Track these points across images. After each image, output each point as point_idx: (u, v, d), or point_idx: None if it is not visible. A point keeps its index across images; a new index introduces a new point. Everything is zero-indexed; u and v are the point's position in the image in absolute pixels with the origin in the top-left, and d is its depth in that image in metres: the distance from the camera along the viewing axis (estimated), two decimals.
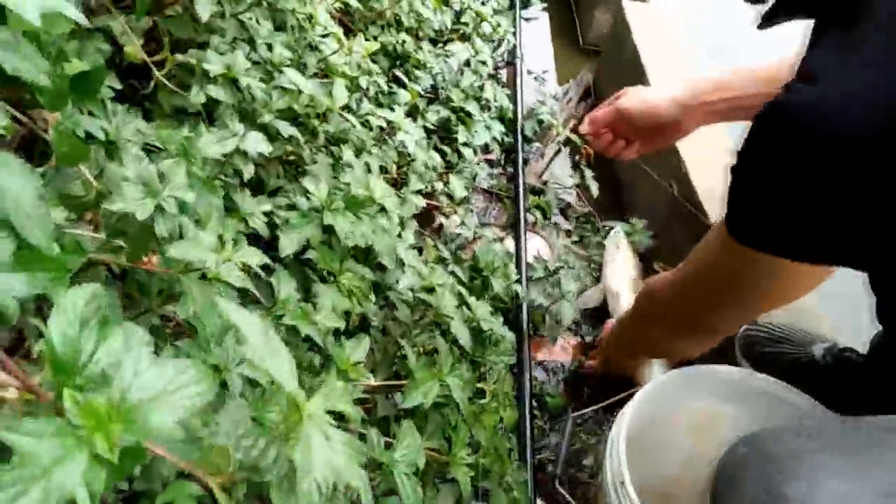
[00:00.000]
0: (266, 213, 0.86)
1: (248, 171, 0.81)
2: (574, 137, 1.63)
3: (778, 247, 0.64)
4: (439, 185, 1.46)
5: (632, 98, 1.06)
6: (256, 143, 0.81)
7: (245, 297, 0.73)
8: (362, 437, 0.76)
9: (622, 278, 1.41)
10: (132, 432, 0.33)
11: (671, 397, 0.95)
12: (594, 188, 1.54)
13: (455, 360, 0.91)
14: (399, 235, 1.09)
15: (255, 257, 0.58)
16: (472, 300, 1.09)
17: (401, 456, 0.77)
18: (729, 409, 0.98)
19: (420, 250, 1.32)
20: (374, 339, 1.00)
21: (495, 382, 0.96)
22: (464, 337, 0.94)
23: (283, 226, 0.82)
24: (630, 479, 0.80)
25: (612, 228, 1.49)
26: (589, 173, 1.57)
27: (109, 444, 0.32)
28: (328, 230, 0.84)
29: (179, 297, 0.63)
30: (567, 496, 0.95)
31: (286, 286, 0.79)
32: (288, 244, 0.79)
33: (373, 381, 0.80)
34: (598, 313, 1.44)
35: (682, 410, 1.00)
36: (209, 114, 0.91)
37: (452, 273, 1.27)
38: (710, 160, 1.38)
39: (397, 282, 1.01)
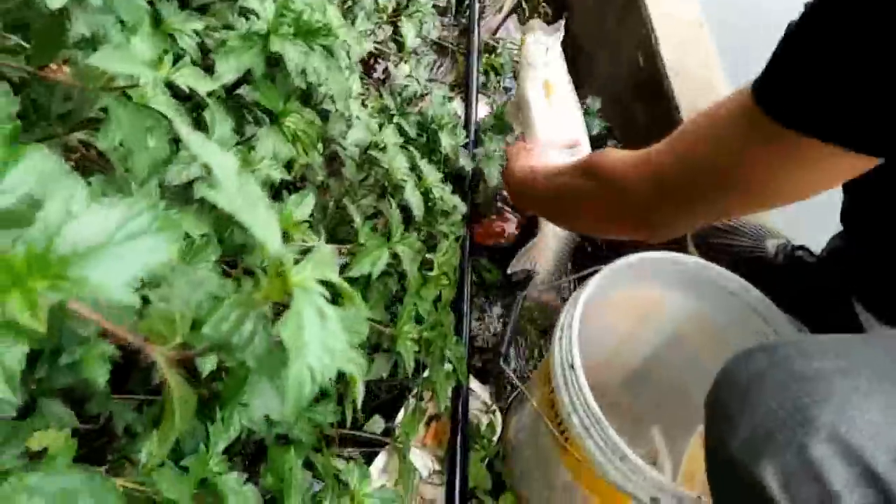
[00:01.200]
0: (196, 33, 0.73)
1: None
2: None
3: (820, 122, 0.55)
4: (387, 30, 1.32)
5: None
6: None
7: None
8: None
9: (537, 87, 1.22)
10: (62, 291, 0.25)
11: (622, 281, 0.94)
12: None
13: (405, 227, 0.85)
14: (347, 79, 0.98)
15: (201, 81, 0.47)
16: (422, 163, 1.01)
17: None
18: (676, 297, 0.98)
19: (363, 102, 1.20)
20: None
21: (444, 254, 0.91)
22: (416, 203, 0.87)
23: (218, 48, 0.69)
24: (580, 364, 0.79)
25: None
26: None
27: (31, 307, 0.24)
28: (273, 60, 0.71)
29: (89, 122, 0.52)
30: (512, 375, 0.94)
31: (222, 124, 0.68)
32: (226, 69, 0.67)
33: (317, 243, 0.72)
34: None
35: (629, 294, 1.00)
36: None
37: (398, 125, 1.17)
38: (681, 34, 1.31)
39: (344, 136, 0.91)
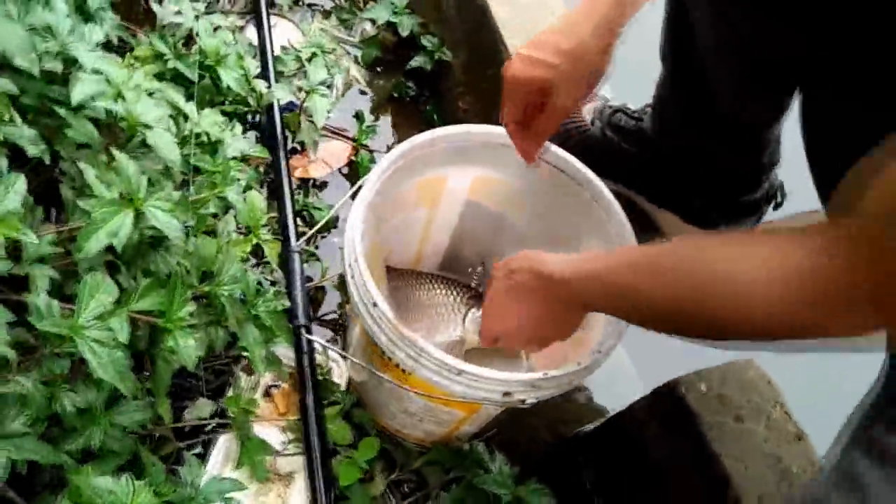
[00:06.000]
0: None
1: None
2: None
3: None
4: None
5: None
6: None
7: None
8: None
9: None
10: None
11: (400, 177, 0.87)
12: None
13: (159, 179, 0.74)
14: (73, 31, 0.84)
15: None
16: (189, 107, 0.89)
17: (88, 321, 0.61)
18: (458, 172, 0.93)
19: (126, 49, 1.07)
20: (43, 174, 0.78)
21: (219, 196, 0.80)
22: (166, 148, 0.74)
23: None
24: (381, 299, 0.72)
25: None
26: None
27: None
28: None
29: None
30: (321, 342, 0.88)
31: None
32: None
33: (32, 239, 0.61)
34: None
35: (416, 182, 0.93)
36: None
37: (174, 71, 1.04)
38: None
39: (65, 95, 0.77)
